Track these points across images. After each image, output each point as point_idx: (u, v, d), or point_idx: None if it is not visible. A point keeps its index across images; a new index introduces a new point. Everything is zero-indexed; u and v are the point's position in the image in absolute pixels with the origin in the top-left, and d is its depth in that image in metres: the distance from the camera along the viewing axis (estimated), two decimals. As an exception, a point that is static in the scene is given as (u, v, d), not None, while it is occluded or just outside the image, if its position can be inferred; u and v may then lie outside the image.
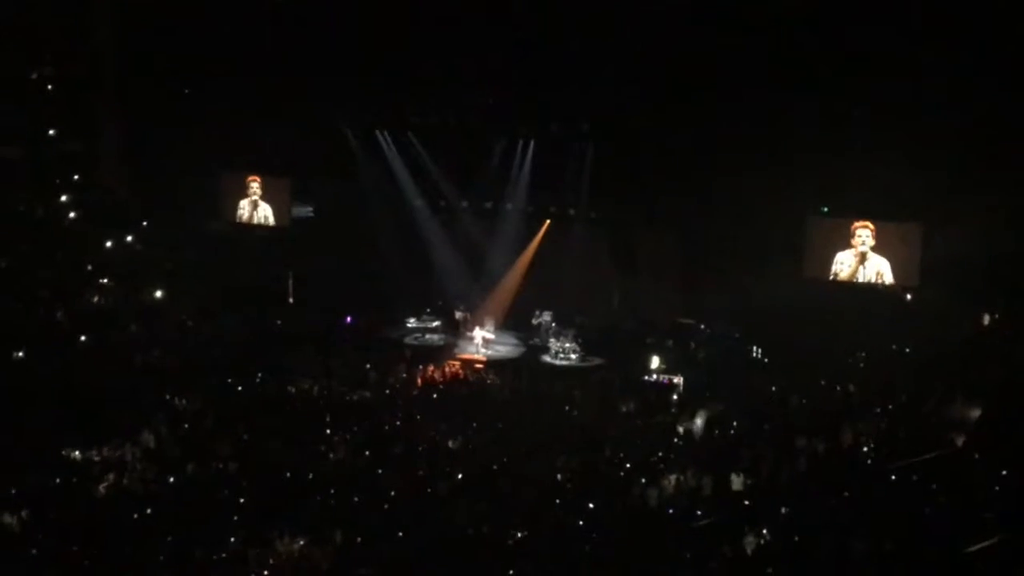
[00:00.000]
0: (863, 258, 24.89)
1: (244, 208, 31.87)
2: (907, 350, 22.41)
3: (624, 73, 25.07)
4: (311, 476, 17.73)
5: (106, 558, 14.15)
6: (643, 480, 17.09)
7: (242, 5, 28.48)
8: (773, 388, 22.06)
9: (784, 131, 24.10)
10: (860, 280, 24.84)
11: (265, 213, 31.58)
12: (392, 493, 16.74)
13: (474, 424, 20.67)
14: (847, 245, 25.06)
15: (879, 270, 24.78)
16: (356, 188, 30.22)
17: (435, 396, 22.87)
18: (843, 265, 25.10)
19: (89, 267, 26.98)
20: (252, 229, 31.77)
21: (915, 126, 22.02)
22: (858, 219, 24.79)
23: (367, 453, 18.97)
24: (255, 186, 31.65)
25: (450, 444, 19.66)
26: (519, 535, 14.59)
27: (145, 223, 30.03)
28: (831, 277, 25.13)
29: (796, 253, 25.35)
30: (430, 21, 26.49)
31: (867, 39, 22.80)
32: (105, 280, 26.73)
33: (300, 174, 30.97)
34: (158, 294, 27.07)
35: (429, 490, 17.12)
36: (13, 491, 16.40)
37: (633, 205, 27.68)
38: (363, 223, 30.32)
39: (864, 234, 24.87)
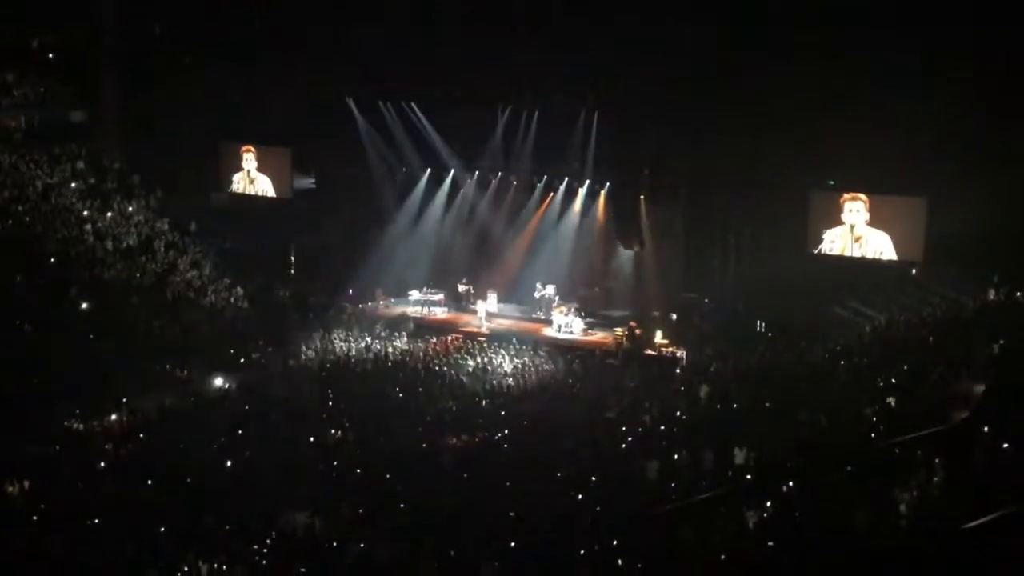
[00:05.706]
0: (853, 232, 24.17)
1: (239, 181, 31.71)
2: (912, 323, 22.28)
3: (628, 44, 24.84)
4: (314, 448, 17.73)
5: (108, 527, 14.16)
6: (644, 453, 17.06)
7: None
8: (776, 361, 21.96)
9: (788, 104, 23.91)
10: (855, 255, 24.31)
11: (263, 185, 31.42)
12: (395, 466, 16.74)
13: (476, 398, 20.68)
14: (838, 221, 24.38)
15: (878, 246, 24.05)
16: (359, 159, 30.07)
17: (437, 369, 22.83)
18: (834, 244, 24.49)
19: (91, 238, 26.86)
20: (252, 201, 31.66)
21: (919, 99, 21.82)
22: (856, 193, 24.09)
23: (369, 426, 18.97)
24: (249, 156, 31.47)
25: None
26: (520, 508, 14.57)
27: (147, 193, 29.87)
28: (816, 251, 24.60)
29: (800, 226, 25.16)
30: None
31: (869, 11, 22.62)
32: (107, 251, 26.63)
33: (301, 145, 30.80)
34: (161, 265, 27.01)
35: (432, 463, 17.12)
36: (15, 460, 16.42)
37: (637, 176, 27.51)
38: (365, 195, 30.22)
39: (855, 207, 24.06)
